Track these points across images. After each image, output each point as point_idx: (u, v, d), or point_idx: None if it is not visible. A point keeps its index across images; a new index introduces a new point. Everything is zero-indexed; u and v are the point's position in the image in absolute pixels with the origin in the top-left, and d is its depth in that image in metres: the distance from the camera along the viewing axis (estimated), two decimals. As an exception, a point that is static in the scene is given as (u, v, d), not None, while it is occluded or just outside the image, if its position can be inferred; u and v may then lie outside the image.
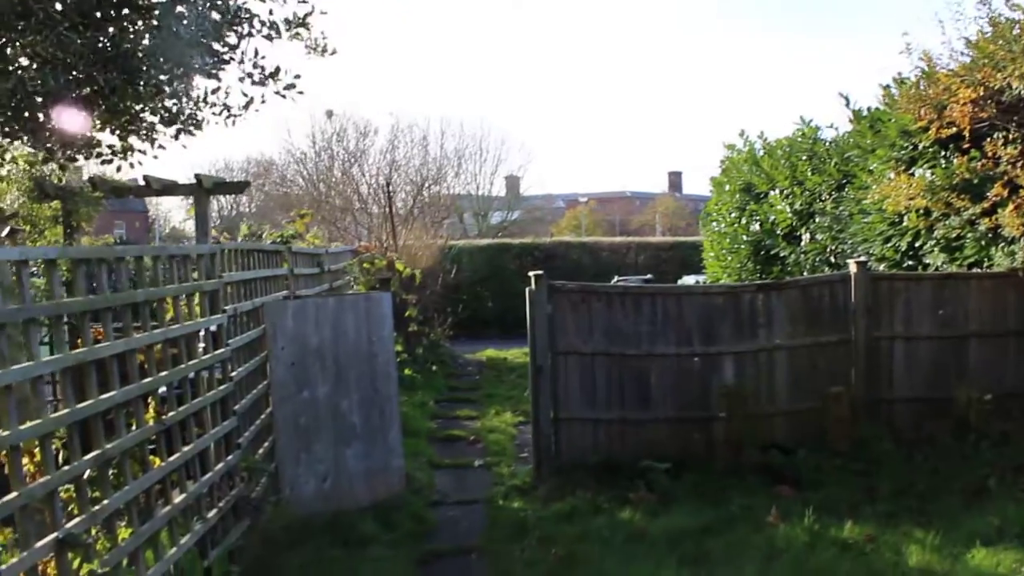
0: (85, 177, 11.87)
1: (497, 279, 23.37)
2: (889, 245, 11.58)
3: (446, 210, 21.98)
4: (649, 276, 18.99)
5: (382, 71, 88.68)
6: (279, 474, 8.42)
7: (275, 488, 8.34)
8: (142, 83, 6.41)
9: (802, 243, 14.65)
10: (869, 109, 12.76)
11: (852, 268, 9.62)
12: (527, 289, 9.25)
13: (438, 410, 13.61)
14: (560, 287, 9.27)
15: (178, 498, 5.85)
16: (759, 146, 16.42)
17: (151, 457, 5.59)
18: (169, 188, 11.58)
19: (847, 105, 12.99)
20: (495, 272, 23.38)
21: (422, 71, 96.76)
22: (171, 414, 5.76)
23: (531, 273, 9.26)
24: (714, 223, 17.99)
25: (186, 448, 6.07)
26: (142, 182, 11.25)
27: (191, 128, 7.75)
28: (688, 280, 18.89)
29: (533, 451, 9.55)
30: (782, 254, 15.13)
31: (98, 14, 6.00)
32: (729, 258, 16.83)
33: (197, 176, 11.10)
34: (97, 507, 4.71)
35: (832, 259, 14.08)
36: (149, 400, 5.66)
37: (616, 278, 19.05)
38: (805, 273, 14.32)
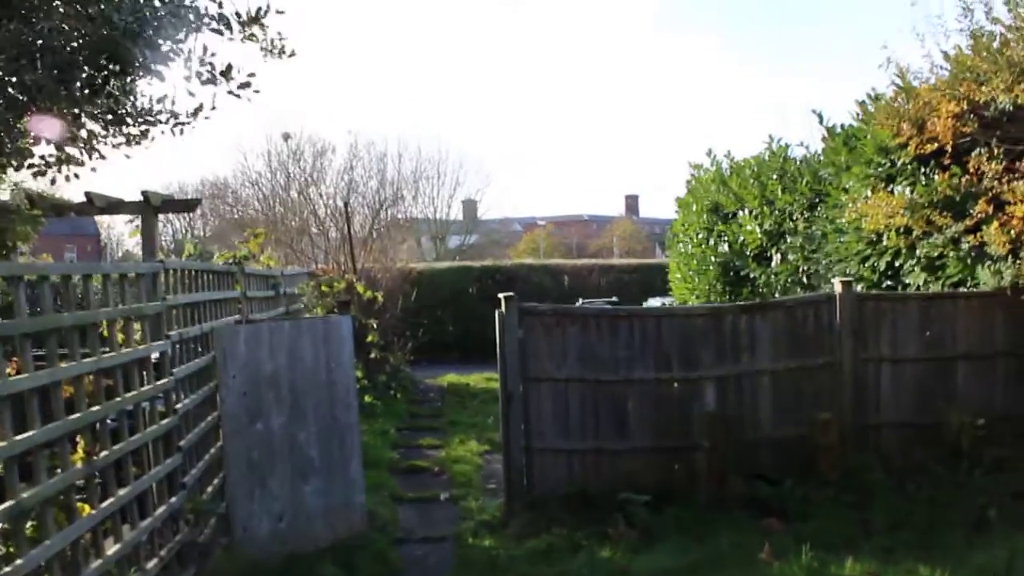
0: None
1: (458, 303, 22.68)
2: (867, 265, 11.13)
3: (405, 232, 21.29)
4: (614, 299, 18.45)
5: (339, 87, 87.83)
6: (231, 514, 7.67)
7: (226, 529, 7.59)
8: (76, 83, 5.72)
9: (773, 264, 14.20)
10: (843, 126, 12.36)
11: (837, 288, 9.12)
12: (497, 312, 8.62)
13: (400, 439, 12.89)
14: (532, 309, 8.65)
15: (112, 548, 5.12)
16: (726, 165, 16.00)
17: (80, 504, 4.87)
18: (114, 206, 10.76)
19: (820, 122, 12.59)
20: (455, 295, 22.69)
21: (380, 89, 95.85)
22: (103, 454, 5.03)
23: (501, 295, 8.64)
24: (680, 244, 17.51)
25: (122, 491, 5.34)
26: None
27: (135, 137, 7.02)
28: (654, 302, 18.37)
29: (504, 484, 8.88)
30: (752, 275, 14.66)
31: (21, 3, 5.32)
32: (697, 279, 16.34)
33: (144, 193, 10.33)
34: (9, 567, 3.97)
35: (805, 279, 13.63)
36: (78, 439, 4.94)
37: (580, 301, 18.47)
38: (777, 295, 13.86)
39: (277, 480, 7.85)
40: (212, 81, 6.30)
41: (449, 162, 53.77)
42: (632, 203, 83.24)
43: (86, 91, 5.98)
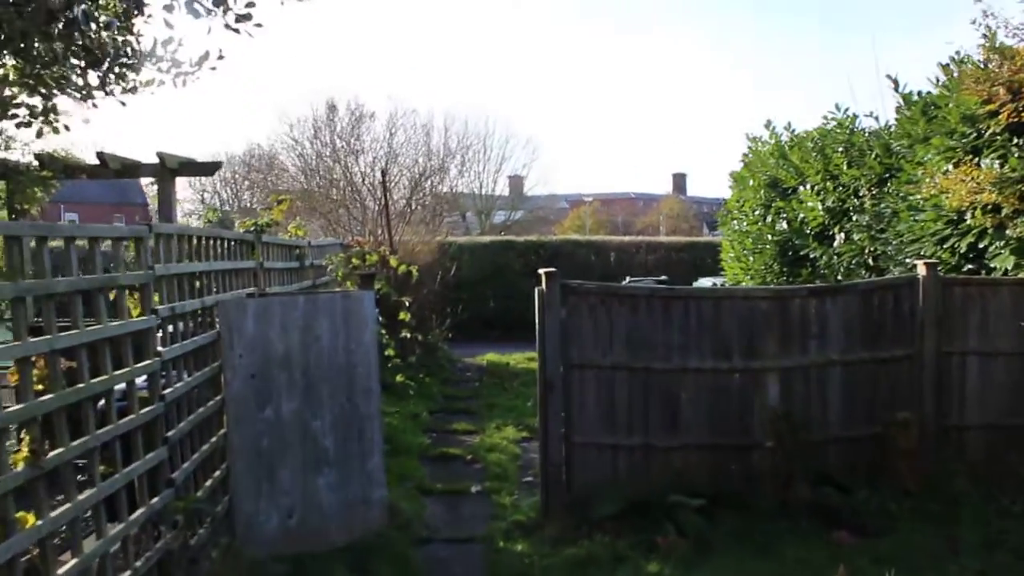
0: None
1: (500, 278, 21.73)
2: (946, 246, 9.93)
3: (448, 205, 20.34)
4: (663, 277, 17.35)
5: (382, 61, 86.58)
6: (233, 509, 6.79)
7: (227, 528, 6.71)
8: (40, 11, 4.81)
9: (835, 244, 13.01)
10: (920, 94, 11.12)
11: (920, 270, 8.00)
12: (536, 290, 7.61)
13: (432, 422, 11.98)
14: (576, 288, 7.62)
15: (65, 567, 4.22)
16: (786, 138, 14.77)
17: (22, 514, 3.97)
18: (130, 168, 9.96)
19: (896, 89, 11.35)
20: (498, 271, 21.73)
21: (424, 63, 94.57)
22: (52, 454, 4.12)
23: (541, 271, 7.62)
24: (735, 221, 16.31)
25: (84, 495, 4.45)
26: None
27: (130, 79, 6.13)
28: (705, 283, 17.24)
29: (541, 481, 7.88)
30: (812, 255, 13.46)
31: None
32: (751, 259, 15.16)
33: (159, 155, 9.48)
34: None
35: (870, 261, 12.44)
36: (22, 435, 4.05)
37: (628, 279, 17.40)
38: (840, 277, 12.69)
39: (288, 472, 6.95)
40: (208, 13, 5.34)
41: (496, 137, 52.72)
42: (679, 181, 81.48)
43: (59, 25, 5.06)
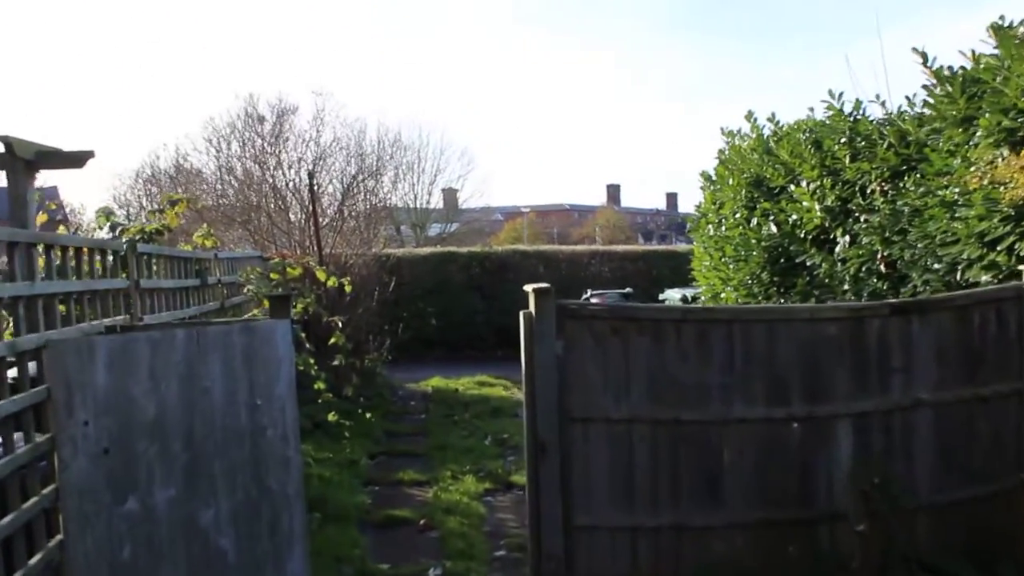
0: None
1: (442, 293, 19.37)
2: (1000, 248, 7.86)
3: (383, 212, 17.89)
4: (628, 290, 15.19)
5: (308, 64, 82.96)
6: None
7: None
8: None
9: (838, 249, 10.92)
10: (951, 69, 9.06)
11: (1032, 277, 5.87)
12: (523, 314, 5.25)
13: (374, 471, 9.53)
14: (578, 311, 5.27)
15: None
16: (769, 131, 12.68)
17: None
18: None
19: (925, 63, 9.27)
20: (440, 285, 19.36)
21: (353, 70, 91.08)
22: None
23: (529, 287, 5.25)
24: (710, 226, 14.14)
25: None
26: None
27: None
28: (673, 295, 15.06)
29: (530, 578, 5.52)
30: (809, 262, 11.35)
31: None
32: (733, 267, 13.00)
33: (5, 140, 6.90)
34: None
35: (882, 268, 10.38)
36: None
37: (588, 292, 15.15)
38: (847, 288, 10.60)
39: (164, 593, 4.51)
40: None
41: (430, 147, 50.02)
42: (614, 192, 79.70)
43: None
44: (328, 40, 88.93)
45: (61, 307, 4.89)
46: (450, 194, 49.87)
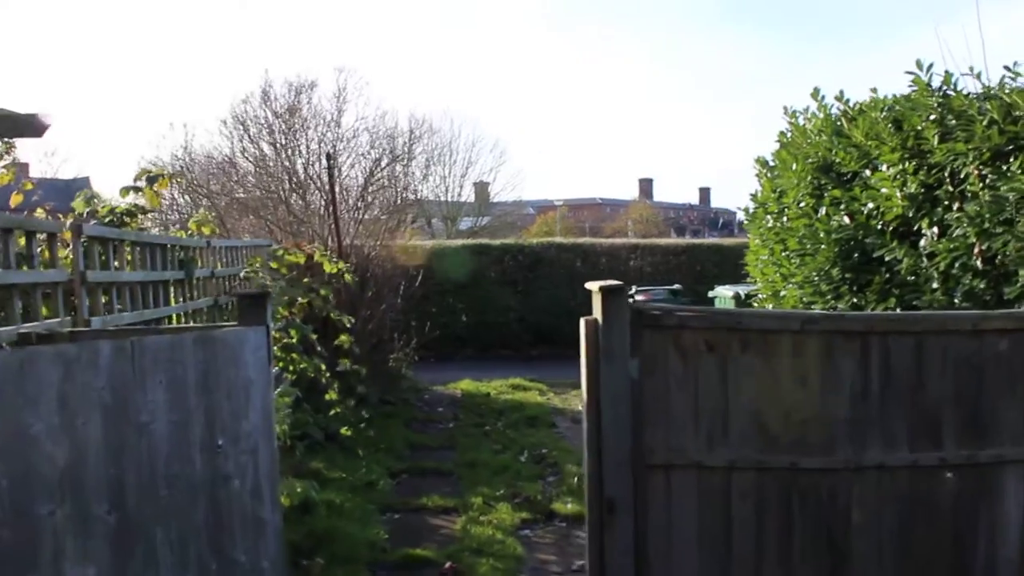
0: None
1: (474, 288, 17.93)
2: None
3: (412, 202, 16.46)
4: (677, 286, 13.66)
5: (337, 50, 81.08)
6: None
7: None
8: None
9: (923, 242, 9.35)
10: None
11: None
12: (584, 322, 3.77)
13: (393, 494, 8.09)
14: (660, 318, 3.77)
15: None
16: (837, 111, 11.10)
17: None
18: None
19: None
20: (471, 280, 17.91)
21: (384, 61, 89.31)
22: None
23: (594, 284, 3.78)
24: (768, 217, 12.57)
25: None
26: None
27: None
28: (725, 292, 13.50)
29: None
30: (888, 257, 9.78)
31: None
32: (796, 263, 11.43)
33: (-58, 100, 5.53)
34: None
35: (979, 264, 8.82)
36: None
37: (634, 288, 13.63)
38: (936, 286, 9.03)
39: None
40: None
41: (462, 139, 48.55)
42: (646, 186, 77.73)
43: None
44: (357, 28, 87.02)
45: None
46: (481, 187, 48.58)
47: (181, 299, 6.40)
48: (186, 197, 14.28)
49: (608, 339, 3.66)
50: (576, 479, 8.34)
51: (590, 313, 3.84)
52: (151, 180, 6.20)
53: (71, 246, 4.54)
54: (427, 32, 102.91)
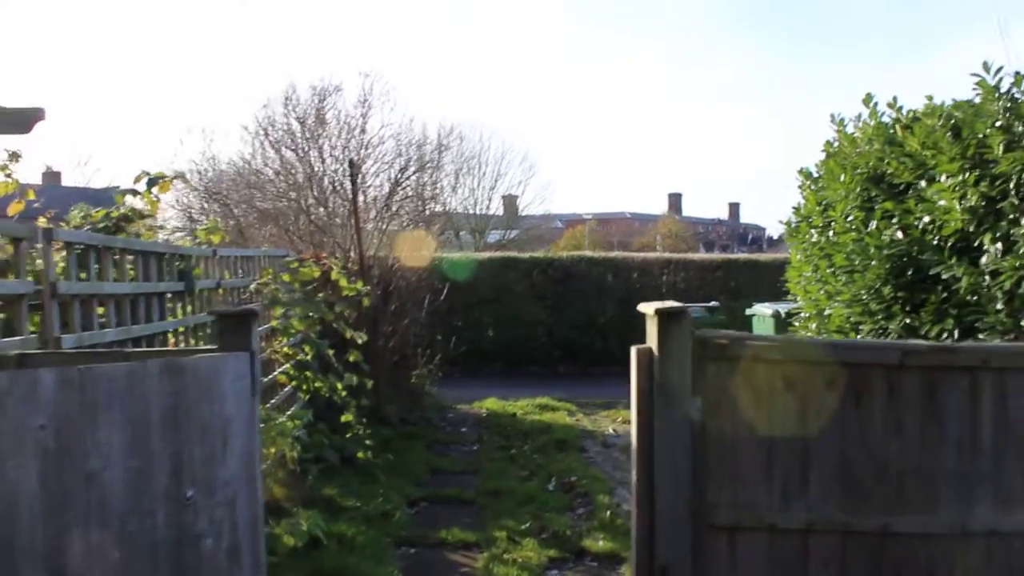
0: None
1: (501, 302, 17.27)
2: None
3: (441, 214, 15.85)
4: (714, 303, 12.91)
5: (362, 58, 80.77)
6: None
7: None
8: None
9: (984, 259, 8.57)
10: None
11: None
12: (636, 352, 3.09)
13: (411, 526, 7.39)
14: (729, 348, 3.10)
15: None
16: (889, 118, 10.34)
17: None
18: None
19: None
20: (499, 293, 17.25)
21: (414, 73, 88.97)
22: None
23: (649, 306, 3.10)
24: (813, 231, 11.81)
25: None
26: None
27: None
28: (763, 310, 12.75)
29: None
30: (946, 275, 9.00)
31: None
32: (844, 280, 10.66)
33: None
34: None
35: (1050, 284, 8.01)
36: None
37: (668, 305, 12.94)
38: (1000, 307, 8.24)
39: None
40: None
41: (491, 152, 48.12)
42: (675, 201, 76.61)
43: None
44: (381, 36, 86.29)
45: None
46: (510, 200, 48.15)
47: (181, 313, 5.78)
48: (211, 205, 13.74)
49: (666, 373, 2.98)
50: (608, 512, 7.64)
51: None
52: (151, 183, 5.60)
53: (45, 256, 3.93)
54: (453, 43, 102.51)
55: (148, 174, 5.61)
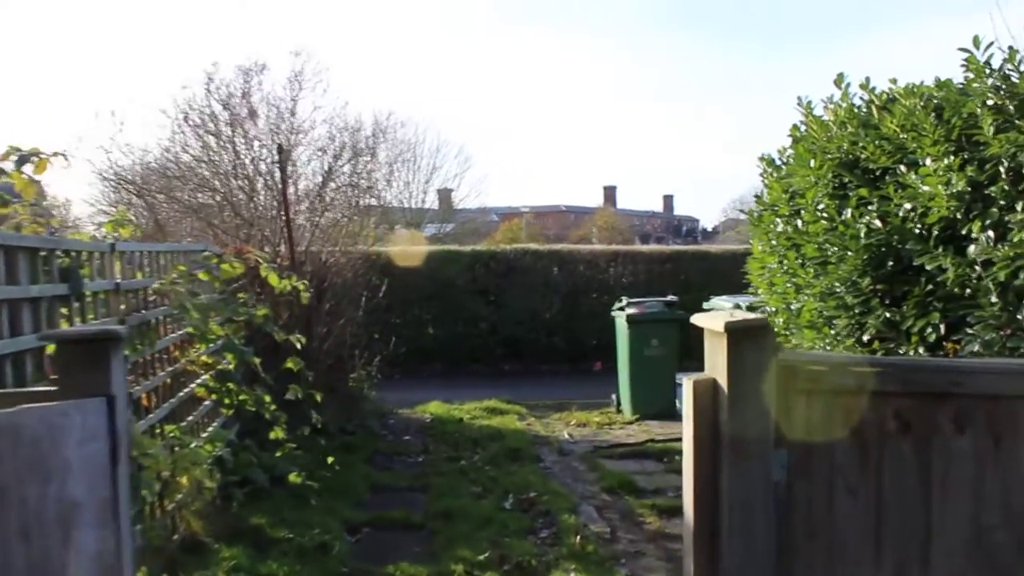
0: None
1: (442, 298, 16.27)
2: None
3: (377, 206, 14.73)
4: (672, 298, 12.08)
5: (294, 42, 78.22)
6: None
7: None
8: None
9: (972, 248, 7.84)
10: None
11: None
12: (691, 385, 2.14)
13: (351, 560, 6.33)
14: (824, 377, 2.18)
15: None
16: (860, 100, 9.57)
17: None
18: None
19: None
20: (440, 289, 16.23)
21: (351, 65, 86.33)
22: None
23: (711, 320, 2.15)
24: (778, 220, 11.02)
25: None
26: None
27: None
28: (722, 303, 11.92)
29: None
30: (930, 266, 8.25)
31: None
32: (814, 271, 9.88)
33: None
34: None
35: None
36: None
37: (624, 301, 12.01)
38: (994, 300, 7.50)
39: None
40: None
41: (426, 145, 46.93)
42: (611, 194, 76.19)
43: None
44: (316, 23, 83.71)
45: None
46: (445, 194, 47.26)
47: (65, 323, 4.63)
48: (126, 197, 12.39)
49: (740, 417, 2.01)
50: (577, 537, 6.71)
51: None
52: (22, 160, 4.47)
53: None
54: (389, 33, 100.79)
55: (19, 150, 4.46)
